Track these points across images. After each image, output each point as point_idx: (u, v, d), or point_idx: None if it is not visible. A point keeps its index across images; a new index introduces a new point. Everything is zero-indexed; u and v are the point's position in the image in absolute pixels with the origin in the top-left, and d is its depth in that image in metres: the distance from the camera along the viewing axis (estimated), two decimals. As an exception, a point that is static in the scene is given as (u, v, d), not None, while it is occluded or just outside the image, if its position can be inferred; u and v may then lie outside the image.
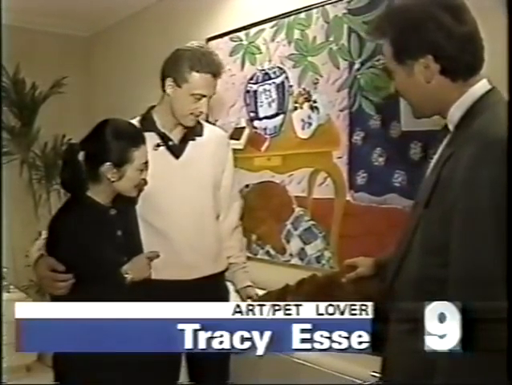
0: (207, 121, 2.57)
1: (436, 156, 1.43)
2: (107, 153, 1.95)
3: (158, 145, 2.22)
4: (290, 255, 3.16)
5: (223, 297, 2.38)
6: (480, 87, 1.36)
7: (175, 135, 2.26)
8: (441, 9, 1.32)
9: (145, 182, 2.04)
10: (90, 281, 1.90)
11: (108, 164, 1.95)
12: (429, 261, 1.32)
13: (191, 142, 2.28)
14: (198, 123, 2.32)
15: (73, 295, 1.90)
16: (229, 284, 2.44)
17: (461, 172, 1.24)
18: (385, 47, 1.42)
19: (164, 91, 2.24)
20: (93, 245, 1.93)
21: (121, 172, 1.96)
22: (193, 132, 2.29)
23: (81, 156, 1.98)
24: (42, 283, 2.06)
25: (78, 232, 1.92)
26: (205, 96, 2.19)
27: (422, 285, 1.34)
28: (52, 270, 1.91)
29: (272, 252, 3.25)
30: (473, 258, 1.20)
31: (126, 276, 1.96)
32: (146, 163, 2.02)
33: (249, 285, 2.40)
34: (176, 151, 2.25)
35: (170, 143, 2.24)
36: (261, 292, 2.33)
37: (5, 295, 3.46)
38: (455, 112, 1.36)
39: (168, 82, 2.18)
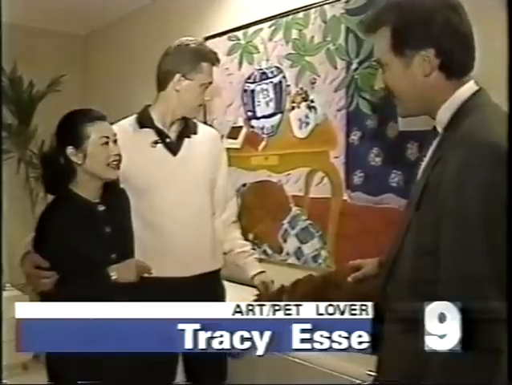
0: (204, 122, 2.58)
1: (426, 159, 1.43)
2: (66, 138, 1.99)
3: (156, 142, 2.23)
4: (287, 254, 3.17)
5: (221, 294, 2.38)
6: (467, 88, 1.36)
7: (172, 133, 2.27)
8: (447, 6, 1.33)
9: (119, 158, 2.03)
10: (76, 277, 1.90)
11: (70, 147, 1.98)
12: (421, 262, 1.32)
13: (187, 139, 2.29)
14: (192, 121, 2.34)
15: (60, 291, 1.91)
16: (225, 282, 2.44)
17: (449, 175, 1.24)
18: (383, 37, 1.40)
19: (160, 90, 2.25)
20: (78, 241, 1.93)
21: (83, 151, 1.98)
22: (188, 130, 2.30)
23: (60, 157, 2.01)
24: (27, 279, 2.08)
25: (63, 228, 1.93)
26: (210, 84, 2.25)
27: (414, 286, 1.35)
28: (36, 267, 1.93)
29: (269, 251, 3.25)
30: (462, 259, 1.21)
31: (111, 275, 1.96)
32: (107, 137, 2.01)
33: (263, 271, 2.39)
34: (174, 148, 2.25)
35: (167, 140, 2.25)
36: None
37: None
38: (444, 113, 1.36)
39: (177, 78, 2.20)
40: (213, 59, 2.25)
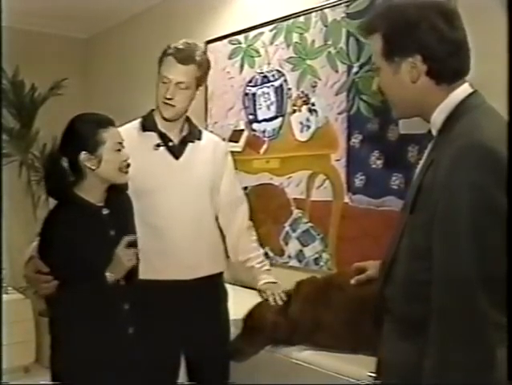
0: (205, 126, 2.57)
1: (421, 162, 1.44)
2: (79, 143, 1.97)
3: (158, 145, 2.24)
4: (289, 257, 3.18)
5: (223, 297, 2.39)
6: (461, 91, 1.37)
7: (175, 136, 2.28)
8: (436, 12, 1.33)
9: (128, 164, 2.03)
10: (79, 281, 1.89)
11: (84, 152, 1.96)
12: (416, 265, 1.33)
13: (190, 144, 2.29)
14: (197, 129, 2.36)
15: (63, 295, 1.91)
16: (228, 285, 2.44)
17: (440, 176, 1.25)
18: (376, 43, 1.42)
19: None
20: (84, 245, 1.93)
21: (98, 157, 1.97)
22: (192, 135, 2.31)
23: (64, 161, 2.00)
24: (28, 283, 2.09)
25: (68, 232, 1.92)
26: (171, 81, 2.18)
27: (411, 289, 1.35)
28: (37, 272, 1.93)
29: (270, 254, 3.25)
30: (451, 260, 1.22)
31: (108, 276, 1.94)
32: (120, 143, 2.02)
33: (271, 282, 2.34)
34: (176, 151, 2.26)
35: (170, 143, 2.26)
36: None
37: (3, 296, 3.46)
38: (438, 116, 1.37)
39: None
40: (183, 57, 2.19)
